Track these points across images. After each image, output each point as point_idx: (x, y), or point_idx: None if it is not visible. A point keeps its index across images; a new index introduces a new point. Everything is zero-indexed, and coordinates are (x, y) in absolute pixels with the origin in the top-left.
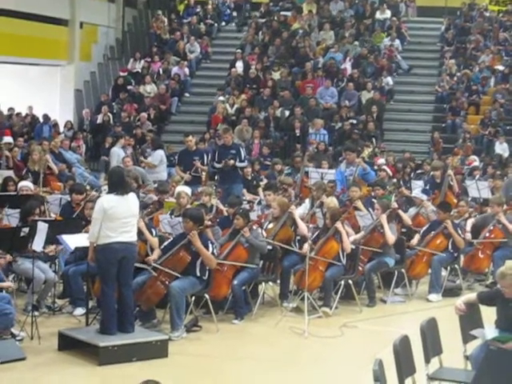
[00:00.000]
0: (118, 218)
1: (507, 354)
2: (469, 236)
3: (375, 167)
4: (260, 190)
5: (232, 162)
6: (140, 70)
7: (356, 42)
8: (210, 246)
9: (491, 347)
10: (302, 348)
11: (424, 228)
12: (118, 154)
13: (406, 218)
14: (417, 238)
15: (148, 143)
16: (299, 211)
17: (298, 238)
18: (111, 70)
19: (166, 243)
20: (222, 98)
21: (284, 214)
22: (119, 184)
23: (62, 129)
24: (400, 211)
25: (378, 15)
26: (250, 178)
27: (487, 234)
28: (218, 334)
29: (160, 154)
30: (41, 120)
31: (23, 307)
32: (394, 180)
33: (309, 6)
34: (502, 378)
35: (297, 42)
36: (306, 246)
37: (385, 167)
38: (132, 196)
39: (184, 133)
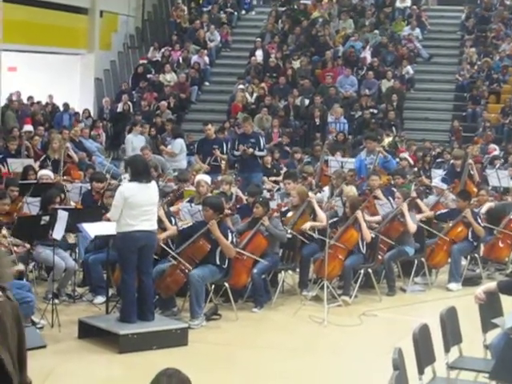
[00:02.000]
0: (139, 206)
1: None
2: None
3: (397, 159)
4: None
5: (251, 150)
6: (160, 59)
7: (376, 31)
8: (230, 234)
9: (511, 336)
10: (322, 336)
11: (441, 211)
12: (132, 141)
13: (425, 207)
14: (426, 214)
15: (168, 132)
16: (318, 198)
17: None
18: (131, 59)
19: (184, 226)
20: (241, 87)
21: (303, 202)
22: (141, 172)
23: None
24: (419, 201)
25: (398, 4)
26: (269, 166)
27: (507, 223)
28: (238, 322)
29: (180, 143)
30: (61, 109)
31: (43, 295)
32: (415, 169)
33: None
34: None
35: (317, 30)
36: (307, 225)
37: (406, 156)
38: (153, 184)
39: (203, 121)
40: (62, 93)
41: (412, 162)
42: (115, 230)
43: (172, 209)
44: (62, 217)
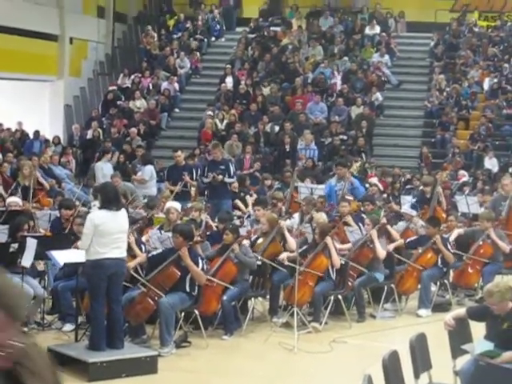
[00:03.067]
0: (109, 233)
1: (496, 369)
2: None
3: (367, 184)
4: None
5: (220, 177)
6: (130, 86)
7: (346, 58)
8: (200, 261)
9: (480, 362)
10: (292, 363)
11: (410, 239)
12: (102, 168)
13: (395, 233)
14: (397, 243)
15: (138, 158)
16: (288, 225)
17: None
18: (101, 86)
19: (153, 252)
20: (209, 113)
21: (273, 229)
22: (112, 200)
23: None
24: (389, 227)
25: (367, 31)
26: (236, 191)
27: (476, 249)
28: (208, 349)
29: (150, 169)
30: (30, 136)
31: None
32: (384, 195)
33: (298, 22)
34: None
35: (286, 57)
36: (284, 255)
37: (376, 182)
38: (123, 212)
39: (173, 148)
40: (31, 119)
41: (382, 187)
42: (85, 257)
43: (143, 238)
44: (31, 244)
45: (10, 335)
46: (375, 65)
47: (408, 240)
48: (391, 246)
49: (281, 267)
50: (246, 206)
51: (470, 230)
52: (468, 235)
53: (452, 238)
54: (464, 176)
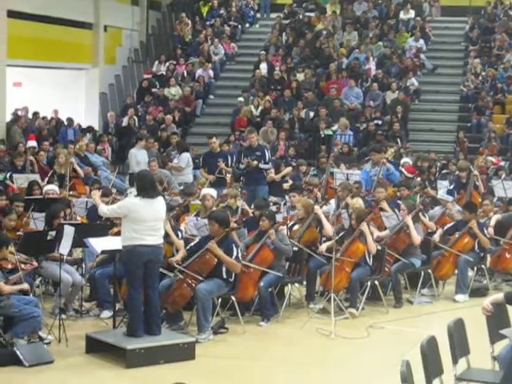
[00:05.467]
0: (143, 221)
1: None
2: (491, 231)
3: (400, 167)
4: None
5: (255, 162)
6: (164, 73)
7: (380, 43)
8: (235, 249)
9: None
10: (329, 349)
11: (448, 225)
12: (136, 155)
13: (429, 222)
14: (439, 233)
15: (173, 146)
16: (324, 211)
17: (324, 239)
18: (136, 73)
19: (191, 244)
20: (240, 99)
21: (309, 215)
22: (148, 188)
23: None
24: (422, 216)
25: (401, 15)
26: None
27: None
28: (245, 335)
29: (187, 157)
30: (65, 123)
31: (50, 310)
32: (419, 179)
33: (332, 7)
34: None
35: (321, 42)
36: (323, 246)
37: (402, 169)
38: (160, 200)
39: (208, 135)
40: (67, 107)
41: (408, 174)
42: (121, 243)
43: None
44: (69, 232)
45: None
46: (410, 49)
47: (446, 227)
48: (436, 237)
49: (317, 255)
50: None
51: (507, 215)
52: (506, 220)
53: (491, 222)
54: (499, 161)
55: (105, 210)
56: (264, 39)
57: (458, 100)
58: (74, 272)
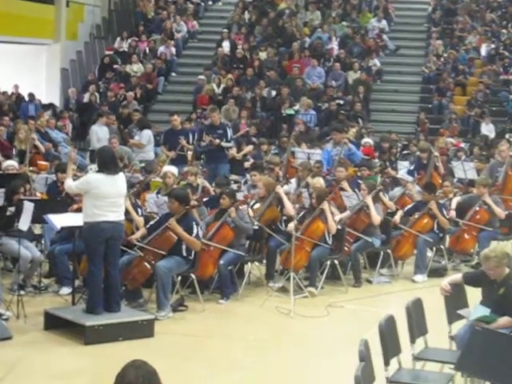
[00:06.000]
0: (105, 197)
1: (492, 335)
2: (453, 214)
3: (361, 147)
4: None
5: (218, 141)
6: (126, 49)
7: (344, 23)
8: (195, 226)
9: (476, 327)
10: (288, 328)
11: (408, 207)
12: (97, 132)
13: (389, 202)
14: (399, 214)
15: (135, 123)
16: (285, 190)
17: (285, 218)
18: (98, 49)
19: (151, 222)
20: (201, 77)
21: (270, 194)
22: (109, 164)
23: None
24: (382, 196)
25: None
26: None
27: (472, 215)
28: (204, 313)
29: (148, 134)
30: (26, 99)
31: (9, 286)
32: (376, 160)
33: None
34: (487, 358)
35: (283, 21)
36: (291, 225)
37: (369, 140)
38: (121, 176)
39: (170, 112)
40: (27, 83)
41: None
42: (82, 220)
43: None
44: (28, 208)
45: None
46: (373, 30)
47: (405, 209)
48: (397, 218)
49: (277, 233)
50: (244, 170)
51: (466, 196)
52: (465, 202)
53: (453, 205)
54: (460, 143)
55: (72, 184)
56: (227, 17)
57: (420, 81)
58: (33, 248)
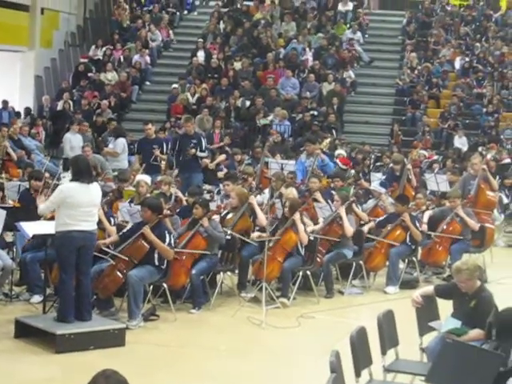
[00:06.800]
0: (78, 206)
1: (462, 347)
2: (425, 228)
3: (335, 159)
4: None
5: (193, 151)
6: (101, 58)
7: (320, 34)
8: (168, 235)
9: (447, 340)
10: (260, 338)
11: (380, 218)
12: (70, 140)
13: (362, 213)
14: (369, 225)
15: (109, 131)
16: (258, 200)
17: (257, 228)
18: (72, 57)
19: (124, 230)
20: (175, 86)
21: (242, 204)
22: (83, 172)
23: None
24: (355, 207)
25: (340, 7)
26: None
27: (445, 227)
28: (176, 323)
29: (123, 142)
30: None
31: None
32: (353, 171)
33: None
34: (458, 370)
35: (258, 32)
36: (256, 234)
37: (337, 160)
38: (95, 185)
39: (144, 121)
40: (1, 90)
41: (343, 166)
42: (54, 229)
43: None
44: (0, 215)
45: None
46: (347, 41)
47: (378, 220)
48: (365, 228)
49: (249, 244)
50: (217, 180)
51: (438, 210)
52: (437, 215)
53: (425, 218)
54: (433, 155)
55: (45, 205)
56: (202, 27)
57: (394, 93)
58: (4, 255)
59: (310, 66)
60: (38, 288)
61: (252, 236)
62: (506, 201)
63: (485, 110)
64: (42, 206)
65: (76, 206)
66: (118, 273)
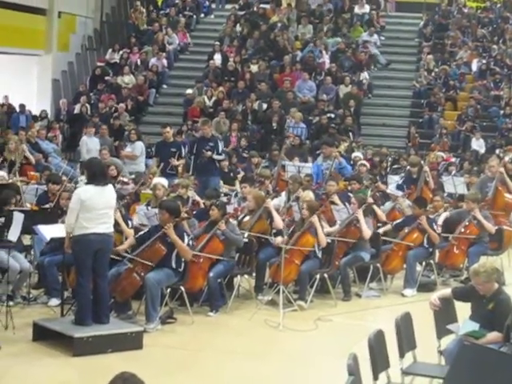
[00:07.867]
0: (95, 208)
1: (480, 350)
2: (439, 230)
3: (351, 161)
4: (237, 182)
5: (209, 153)
6: (118, 61)
7: (338, 39)
8: (186, 237)
9: (465, 342)
10: (277, 341)
11: (397, 221)
12: (87, 143)
13: (381, 213)
14: (385, 227)
15: (129, 134)
16: (275, 203)
17: (274, 231)
18: (89, 61)
19: (140, 233)
20: (189, 91)
21: (259, 207)
22: (98, 175)
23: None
24: (375, 206)
25: (356, 10)
26: (226, 170)
27: (462, 230)
28: (193, 326)
29: (141, 145)
30: (17, 110)
31: None
32: (370, 175)
33: (288, 0)
34: (476, 373)
35: (275, 35)
36: (279, 239)
37: (364, 162)
38: (110, 187)
39: (161, 124)
40: (18, 94)
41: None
42: (72, 233)
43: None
44: (18, 218)
45: None
46: (364, 44)
47: (395, 223)
48: (381, 231)
49: (266, 247)
50: (234, 183)
51: (455, 212)
52: (454, 218)
53: (440, 221)
54: (450, 158)
55: (68, 218)
56: (219, 30)
57: (411, 96)
58: (22, 259)
59: (326, 68)
60: (55, 291)
61: (277, 241)
62: None
63: (502, 112)
64: (66, 219)
65: (92, 209)
66: (136, 276)
